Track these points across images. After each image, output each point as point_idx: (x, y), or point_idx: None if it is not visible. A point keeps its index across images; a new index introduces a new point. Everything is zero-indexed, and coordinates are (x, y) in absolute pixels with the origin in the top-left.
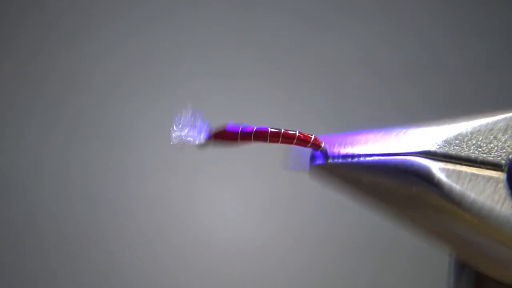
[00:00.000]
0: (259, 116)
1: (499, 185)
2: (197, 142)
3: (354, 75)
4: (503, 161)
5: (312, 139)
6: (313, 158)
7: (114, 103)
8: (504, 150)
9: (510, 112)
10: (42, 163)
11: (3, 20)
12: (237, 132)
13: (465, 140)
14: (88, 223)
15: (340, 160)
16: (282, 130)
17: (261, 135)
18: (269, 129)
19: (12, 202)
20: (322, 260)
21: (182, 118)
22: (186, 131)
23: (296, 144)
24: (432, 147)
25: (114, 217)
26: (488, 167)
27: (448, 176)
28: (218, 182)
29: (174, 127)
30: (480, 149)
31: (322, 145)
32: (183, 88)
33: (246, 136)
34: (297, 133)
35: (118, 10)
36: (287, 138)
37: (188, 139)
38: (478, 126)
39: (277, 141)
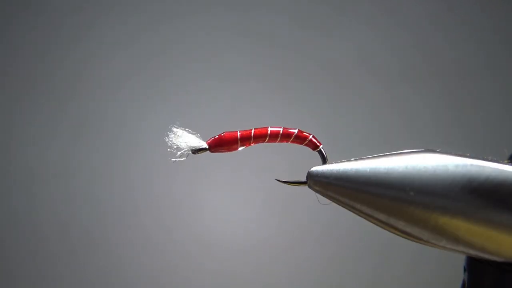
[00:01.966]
0: (259, 117)
1: None
2: (194, 151)
3: (353, 76)
4: None
5: (310, 137)
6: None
7: (118, 107)
8: None
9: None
10: (47, 165)
11: (9, 23)
12: (236, 137)
13: None
14: (92, 224)
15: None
16: (282, 128)
17: (261, 135)
18: (269, 128)
19: (15, 203)
20: (318, 258)
21: (177, 135)
22: (182, 144)
23: (294, 142)
24: None
25: (117, 218)
26: None
27: None
28: (218, 185)
29: (170, 139)
30: None
31: (321, 146)
32: (186, 91)
33: (245, 139)
34: (296, 131)
35: (122, 14)
36: (286, 136)
37: (185, 151)
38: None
39: (276, 140)
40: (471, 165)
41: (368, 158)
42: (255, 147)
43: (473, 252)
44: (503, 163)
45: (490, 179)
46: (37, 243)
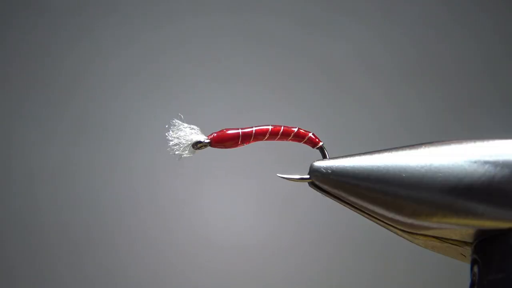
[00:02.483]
0: (259, 115)
1: None
2: (195, 147)
3: (353, 75)
4: None
5: (310, 135)
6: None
7: (118, 107)
8: None
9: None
10: (47, 165)
11: (9, 23)
12: (238, 134)
13: None
14: (93, 224)
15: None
16: (282, 127)
17: (261, 133)
18: (270, 127)
19: (15, 203)
20: (319, 258)
21: (177, 128)
22: (183, 140)
23: (293, 140)
24: None
25: (117, 217)
26: None
27: None
28: (219, 184)
29: (170, 136)
30: None
31: (321, 143)
32: (187, 91)
33: (246, 136)
34: (296, 129)
35: (123, 15)
36: (286, 134)
37: (185, 146)
38: None
39: (276, 138)
40: (474, 162)
41: (370, 153)
42: (255, 145)
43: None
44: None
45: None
46: (37, 243)
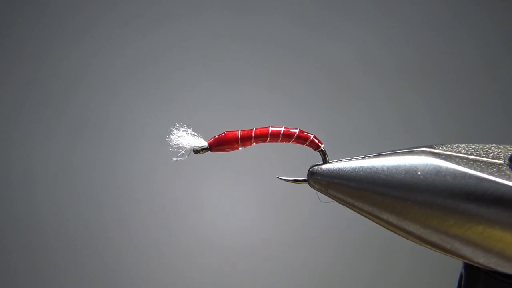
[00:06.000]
0: (260, 117)
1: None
2: (195, 151)
3: (353, 76)
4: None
5: (312, 138)
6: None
7: (118, 107)
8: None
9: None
10: (47, 165)
11: (9, 22)
12: (237, 137)
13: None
14: (93, 224)
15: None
16: (283, 128)
17: (262, 135)
18: (270, 128)
19: (15, 203)
20: (319, 257)
21: (178, 135)
22: (183, 143)
23: (295, 142)
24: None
25: (118, 217)
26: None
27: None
28: (219, 184)
29: (172, 139)
30: (478, 153)
31: (322, 145)
32: (188, 92)
33: (247, 138)
34: (298, 131)
35: (123, 14)
36: (287, 137)
37: (186, 149)
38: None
39: (277, 140)
40: (469, 177)
41: (368, 157)
42: (256, 147)
43: (465, 259)
44: (502, 172)
45: (487, 194)
46: (37, 243)
